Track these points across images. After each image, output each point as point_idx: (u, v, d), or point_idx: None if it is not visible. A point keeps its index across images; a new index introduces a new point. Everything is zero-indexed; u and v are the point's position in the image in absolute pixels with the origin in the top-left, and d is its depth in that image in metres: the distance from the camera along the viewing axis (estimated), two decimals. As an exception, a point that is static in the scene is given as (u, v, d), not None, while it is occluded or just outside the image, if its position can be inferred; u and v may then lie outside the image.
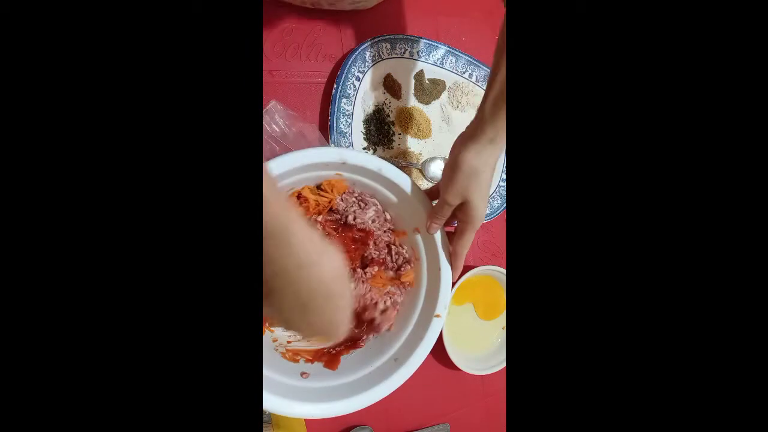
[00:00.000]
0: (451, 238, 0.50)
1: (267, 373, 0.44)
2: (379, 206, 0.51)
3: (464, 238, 0.48)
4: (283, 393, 0.42)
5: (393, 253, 0.53)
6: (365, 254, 0.52)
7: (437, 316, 0.49)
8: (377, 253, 0.52)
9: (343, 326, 0.35)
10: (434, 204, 0.49)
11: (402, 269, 0.52)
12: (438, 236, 0.49)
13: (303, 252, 0.30)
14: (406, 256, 0.53)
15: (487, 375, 0.64)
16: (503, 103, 0.41)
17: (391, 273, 0.53)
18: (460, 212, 0.47)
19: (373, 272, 0.51)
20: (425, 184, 0.61)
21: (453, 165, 0.45)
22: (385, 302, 0.51)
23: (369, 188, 0.49)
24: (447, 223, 0.50)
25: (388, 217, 0.52)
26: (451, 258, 0.50)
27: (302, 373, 0.46)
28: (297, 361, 0.48)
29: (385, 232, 0.52)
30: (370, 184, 0.49)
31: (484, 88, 0.69)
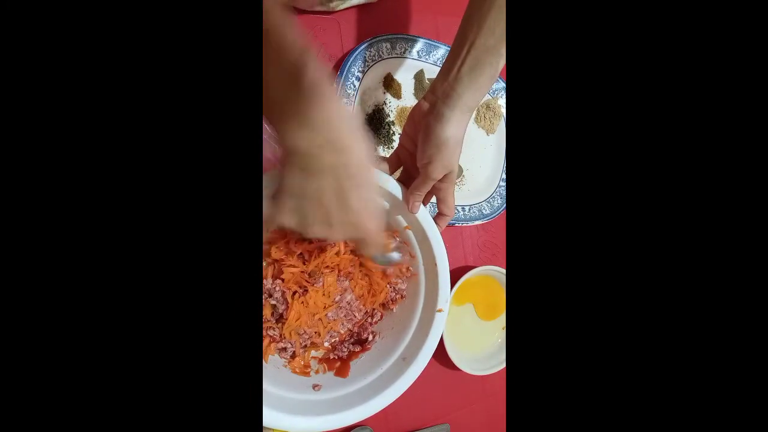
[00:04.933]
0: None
1: (279, 392, 0.43)
2: None
3: (449, 200, 0.48)
4: (298, 410, 0.42)
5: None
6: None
7: (439, 310, 0.49)
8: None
9: (377, 219, 0.35)
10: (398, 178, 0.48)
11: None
12: (429, 231, 0.49)
13: (342, 129, 0.30)
14: (396, 243, 0.52)
15: (487, 375, 0.64)
16: (480, 69, 0.40)
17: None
18: (440, 180, 0.46)
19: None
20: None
21: (436, 141, 0.43)
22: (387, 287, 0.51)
23: None
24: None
25: None
26: (440, 221, 0.49)
27: (314, 386, 0.46)
28: (308, 374, 0.48)
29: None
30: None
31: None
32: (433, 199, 0.51)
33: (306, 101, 0.28)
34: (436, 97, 0.43)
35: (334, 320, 0.50)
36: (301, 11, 0.55)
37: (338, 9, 0.56)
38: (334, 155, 0.30)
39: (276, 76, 0.28)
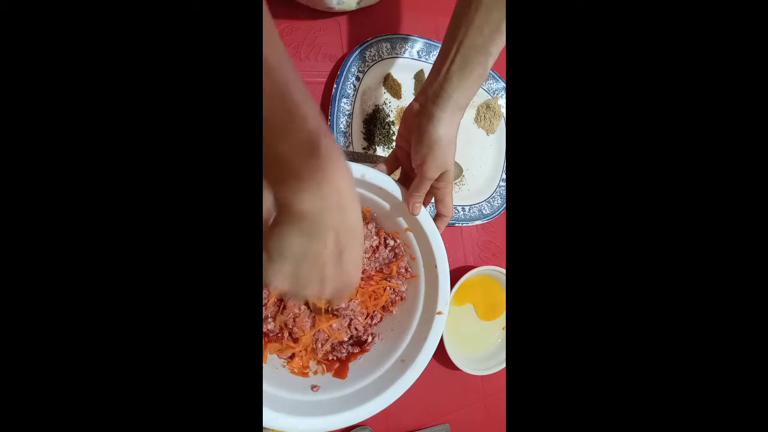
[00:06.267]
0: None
1: (277, 392, 0.43)
2: None
3: (447, 200, 0.48)
4: (296, 410, 0.42)
5: (383, 246, 0.53)
6: None
7: (439, 313, 0.49)
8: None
9: (359, 273, 0.37)
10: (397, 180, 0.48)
11: (397, 258, 0.52)
12: (430, 233, 0.49)
13: (346, 192, 0.31)
14: (393, 244, 0.52)
15: (487, 375, 0.64)
16: (470, 68, 0.40)
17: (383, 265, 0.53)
18: (437, 180, 0.46)
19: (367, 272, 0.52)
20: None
21: (428, 141, 0.43)
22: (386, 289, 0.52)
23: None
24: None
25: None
26: (439, 222, 0.49)
27: (313, 386, 0.46)
28: (306, 375, 0.48)
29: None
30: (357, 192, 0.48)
31: (484, 87, 0.69)
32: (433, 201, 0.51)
33: (321, 171, 0.29)
34: (426, 97, 0.43)
35: (338, 330, 0.50)
36: (304, 8, 0.55)
37: (346, 10, 0.56)
38: (337, 217, 0.32)
39: (292, 148, 0.28)
